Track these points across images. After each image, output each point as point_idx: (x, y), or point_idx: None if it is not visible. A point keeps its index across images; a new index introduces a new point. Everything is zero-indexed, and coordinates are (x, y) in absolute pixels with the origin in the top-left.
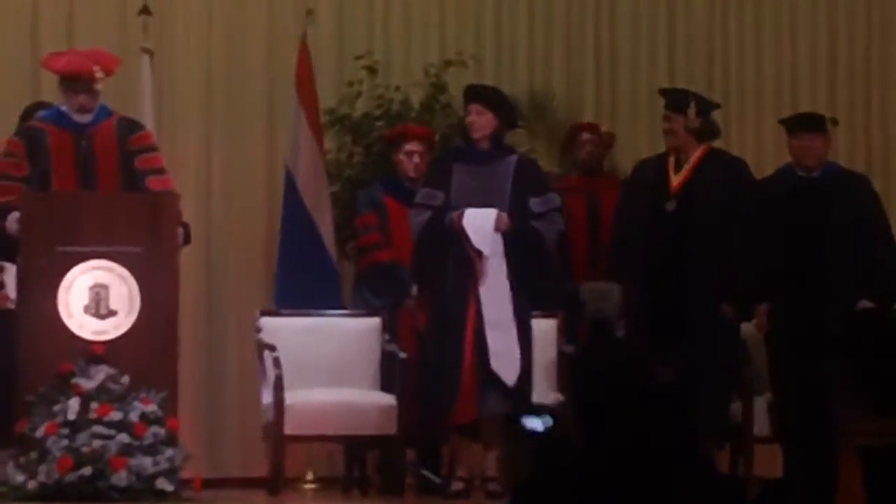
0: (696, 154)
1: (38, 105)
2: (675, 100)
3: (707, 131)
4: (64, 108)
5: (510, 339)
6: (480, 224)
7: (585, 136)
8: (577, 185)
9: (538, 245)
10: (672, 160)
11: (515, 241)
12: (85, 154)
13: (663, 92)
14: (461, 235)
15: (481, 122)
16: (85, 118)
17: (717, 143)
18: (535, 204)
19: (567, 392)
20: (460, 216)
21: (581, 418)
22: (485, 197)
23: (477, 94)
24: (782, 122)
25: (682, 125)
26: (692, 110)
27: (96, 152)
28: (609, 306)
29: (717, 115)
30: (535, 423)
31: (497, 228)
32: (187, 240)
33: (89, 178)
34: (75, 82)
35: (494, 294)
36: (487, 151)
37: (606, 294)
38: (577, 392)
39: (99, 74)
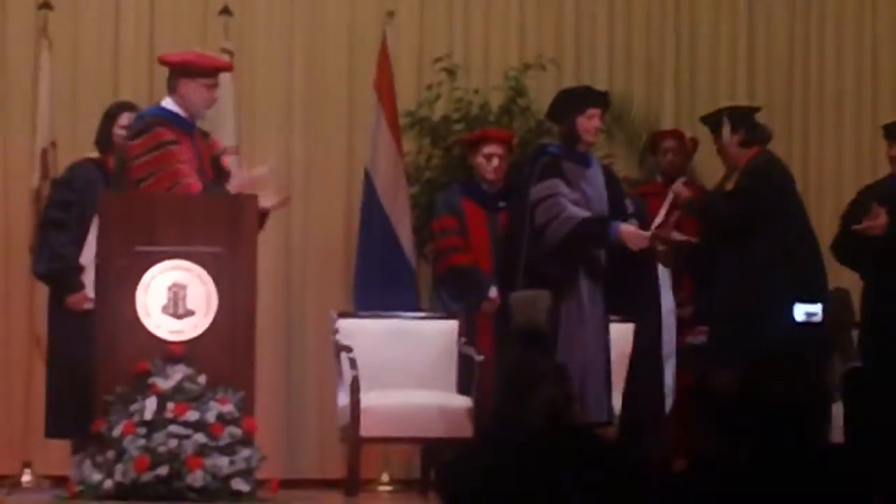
0: (743, 162)
1: (122, 105)
2: (710, 123)
3: (752, 139)
4: (170, 106)
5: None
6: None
7: (669, 142)
8: (659, 191)
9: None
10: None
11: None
12: (199, 153)
13: (703, 119)
14: (642, 254)
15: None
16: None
17: (802, 146)
18: (628, 204)
19: None
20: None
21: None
22: (596, 201)
23: (609, 101)
24: (885, 127)
25: (723, 144)
26: (726, 127)
27: (202, 149)
28: (539, 316)
29: (798, 118)
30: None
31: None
32: (261, 225)
33: (204, 175)
34: (214, 77)
35: None
36: (585, 153)
37: (535, 303)
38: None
39: None
